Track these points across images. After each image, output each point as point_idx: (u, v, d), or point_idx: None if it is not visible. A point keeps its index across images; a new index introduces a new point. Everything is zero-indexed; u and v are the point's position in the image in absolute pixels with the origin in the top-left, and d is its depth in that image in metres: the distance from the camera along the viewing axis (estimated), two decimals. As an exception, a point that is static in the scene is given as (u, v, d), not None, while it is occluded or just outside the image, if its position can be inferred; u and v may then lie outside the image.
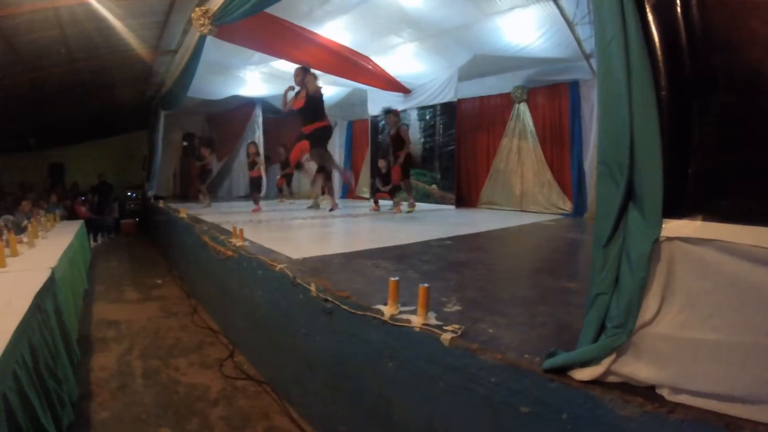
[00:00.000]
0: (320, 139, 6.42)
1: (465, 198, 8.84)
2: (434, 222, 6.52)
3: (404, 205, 7.84)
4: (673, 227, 1.25)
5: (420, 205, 8.61)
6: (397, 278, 2.04)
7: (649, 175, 1.27)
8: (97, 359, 3.73)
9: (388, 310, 2.02)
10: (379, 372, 2.06)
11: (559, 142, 7.51)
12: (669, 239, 1.26)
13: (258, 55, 7.47)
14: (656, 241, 1.26)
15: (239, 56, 7.48)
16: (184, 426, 2.79)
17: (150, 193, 10.03)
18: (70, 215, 8.42)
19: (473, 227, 5.62)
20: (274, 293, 3.05)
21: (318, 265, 3.05)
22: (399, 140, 7.57)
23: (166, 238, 7.69)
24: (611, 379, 1.36)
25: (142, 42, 6.81)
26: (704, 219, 1.22)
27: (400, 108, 9.45)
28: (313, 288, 2.47)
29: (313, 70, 6.35)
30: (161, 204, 8.32)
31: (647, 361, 1.30)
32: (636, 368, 1.32)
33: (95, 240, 9.37)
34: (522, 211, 7.87)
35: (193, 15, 5.27)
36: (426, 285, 1.93)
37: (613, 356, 1.34)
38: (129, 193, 12.08)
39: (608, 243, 1.37)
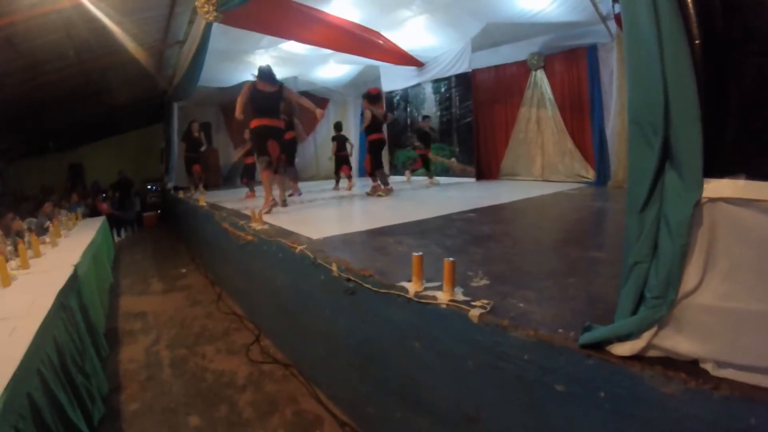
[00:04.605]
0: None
1: (485, 170, 8.67)
2: (455, 195, 6.43)
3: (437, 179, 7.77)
4: (715, 188, 1.14)
5: (440, 179, 8.53)
6: (420, 253, 1.95)
7: (686, 132, 1.16)
8: (125, 351, 3.77)
9: (412, 287, 1.94)
10: (405, 352, 1.99)
11: (579, 109, 7.26)
12: (711, 200, 1.15)
13: (267, 39, 7.35)
14: (697, 203, 1.15)
15: (248, 41, 7.37)
16: (212, 413, 2.80)
17: (169, 185, 10.09)
18: (92, 213, 8.53)
19: (495, 199, 5.49)
20: (296, 275, 3.00)
21: (339, 245, 2.99)
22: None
23: (187, 228, 7.74)
24: (652, 353, 1.27)
25: (149, 36, 6.80)
26: (748, 177, 1.11)
27: (413, 82, 9.30)
28: (334, 268, 2.41)
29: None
30: (181, 194, 8.37)
31: (689, 334, 1.21)
32: (678, 342, 1.23)
33: (119, 235, 9.51)
34: (544, 180, 7.69)
35: (197, 3, 5.21)
36: (451, 259, 1.84)
37: (653, 329, 1.24)
38: (149, 186, 12.20)
39: (644, 208, 1.26)
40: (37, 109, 8.27)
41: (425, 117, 8.69)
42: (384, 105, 8.60)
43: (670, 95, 1.17)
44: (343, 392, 2.63)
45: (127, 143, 12.55)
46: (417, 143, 8.50)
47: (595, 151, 6.90)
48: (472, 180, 8.34)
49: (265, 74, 5.20)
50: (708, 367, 1.18)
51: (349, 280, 2.27)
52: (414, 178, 9.24)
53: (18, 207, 7.48)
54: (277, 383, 3.08)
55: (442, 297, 1.81)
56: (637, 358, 1.26)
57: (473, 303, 1.72)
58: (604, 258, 2.51)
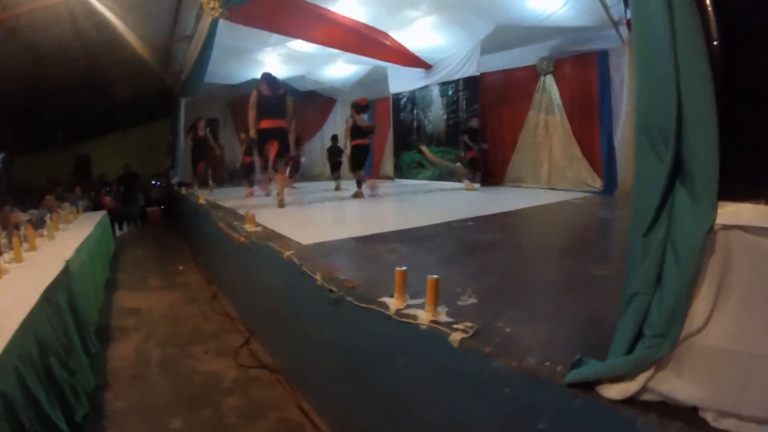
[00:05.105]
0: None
1: (491, 175, 8.57)
2: (458, 201, 6.34)
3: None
4: (732, 212, 1.02)
5: (444, 184, 8.48)
6: (404, 268, 1.86)
7: (701, 145, 1.02)
8: (115, 348, 3.74)
9: (394, 304, 1.85)
10: (389, 367, 1.90)
11: (588, 116, 7.15)
12: (726, 227, 1.02)
13: (275, 37, 7.33)
14: (710, 229, 1.02)
15: (255, 39, 7.34)
16: (196, 417, 2.75)
17: (174, 180, 10.09)
18: (95, 206, 8.52)
19: (498, 206, 5.40)
20: (285, 280, 2.94)
21: (329, 251, 2.93)
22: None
23: (189, 225, 7.72)
24: (646, 397, 1.15)
25: (155, 31, 6.79)
26: (769, 202, 0.98)
27: (421, 84, 9.22)
28: (318, 277, 2.34)
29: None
30: (183, 191, 8.35)
31: (691, 379, 1.09)
32: (677, 386, 1.11)
33: (120, 229, 9.51)
34: (550, 188, 7.58)
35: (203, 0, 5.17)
36: (435, 276, 1.73)
37: (650, 371, 1.12)
38: (153, 182, 12.21)
39: (649, 231, 1.13)
40: (44, 103, 8.29)
41: (471, 115, 8.22)
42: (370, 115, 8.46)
43: (683, 102, 1.04)
44: (328, 402, 2.57)
45: (134, 138, 12.55)
46: (469, 143, 7.89)
47: (603, 159, 6.81)
48: (477, 185, 8.21)
49: (269, 81, 5.66)
50: (708, 416, 1.07)
51: (332, 291, 2.19)
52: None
53: (23, 199, 7.50)
54: (264, 389, 3.02)
55: (424, 317, 1.71)
56: (630, 401, 1.14)
57: (455, 326, 1.61)
58: (607, 275, 2.41)
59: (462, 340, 1.52)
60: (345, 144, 7.21)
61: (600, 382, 1.18)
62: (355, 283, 2.13)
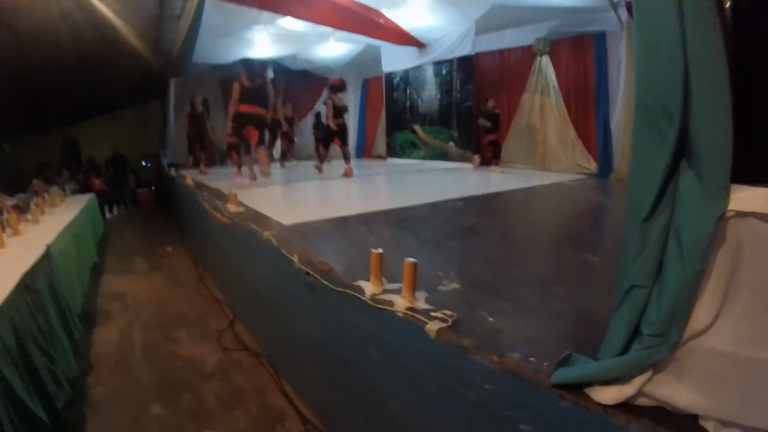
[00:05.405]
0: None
1: (485, 156, 8.42)
2: (448, 181, 6.27)
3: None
4: (746, 198, 0.89)
5: (437, 164, 8.40)
6: (380, 251, 1.74)
7: (711, 121, 0.90)
8: (99, 333, 3.70)
9: (370, 288, 1.74)
10: (364, 359, 1.81)
11: (584, 98, 7.02)
12: (740, 214, 0.90)
13: (265, 15, 7.13)
14: (721, 217, 0.90)
15: (245, 17, 7.15)
16: (176, 402, 2.71)
17: (164, 161, 9.95)
18: (84, 189, 8.40)
19: (490, 187, 5.32)
20: (266, 263, 2.87)
21: (309, 232, 2.85)
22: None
23: (177, 207, 7.63)
24: (641, 401, 1.05)
25: (144, 11, 6.60)
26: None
27: (414, 63, 9.08)
28: (295, 259, 2.25)
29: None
30: (173, 172, 8.23)
31: (691, 384, 0.98)
32: (676, 391, 1.00)
33: (111, 212, 9.41)
34: (544, 170, 7.49)
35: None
36: (412, 260, 1.60)
37: (647, 374, 1.02)
38: (144, 163, 12.06)
39: (649, 217, 1.00)
40: (31, 87, 8.16)
41: (486, 98, 7.78)
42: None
43: (690, 72, 0.91)
44: (309, 388, 2.52)
45: (125, 120, 12.35)
46: (487, 125, 7.60)
47: (599, 142, 6.70)
48: (470, 166, 8.11)
49: (248, 70, 6.11)
50: (709, 426, 0.97)
51: (309, 273, 2.12)
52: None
53: (13, 184, 7.39)
54: (246, 373, 2.98)
55: (400, 303, 1.60)
56: (623, 406, 1.04)
57: (434, 314, 1.49)
58: (600, 263, 2.32)
59: (440, 330, 1.40)
60: (327, 124, 7.34)
61: (590, 384, 1.08)
62: (331, 266, 2.04)
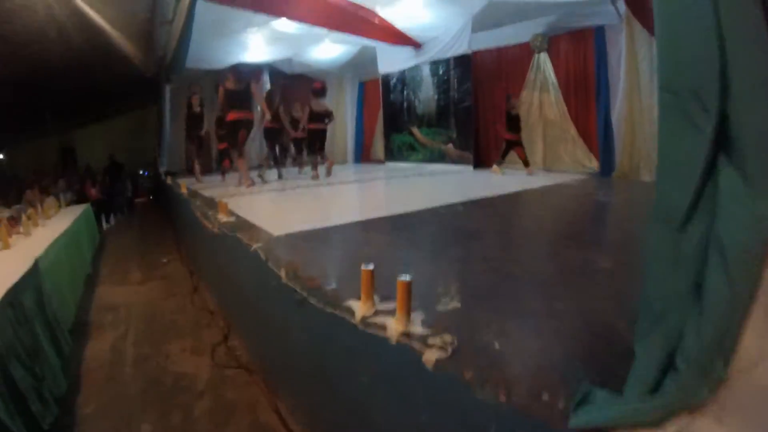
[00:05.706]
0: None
1: (483, 157, 8.35)
2: (448, 184, 6.17)
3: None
4: None
5: (435, 166, 8.33)
6: (371, 266, 1.59)
7: (757, 107, 0.75)
8: (90, 347, 3.60)
9: (360, 309, 1.59)
10: (356, 384, 1.68)
11: (584, 95, 6.93)
12: None
13: (258, 17, 7.03)
14: None
15: (239, 19, 7.08)
16: (166, 421, 2.61)
17: (161, 170, 9.87)
18: (80, 198, 8.33)
19: (490, 189, 5.19)
20: (256, 275, 2.76)
21: (300, 243, 2.73)
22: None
23: (174, 215, 7.55)
24: None
25: (135, 16, 6.51)
26: None
27: (411, 63, 8.98)
28: (283, 273, 2.14)
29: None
30: (169, 180, 8.14)
31: (737, 429, 0.81)
32: None
33: (107, 221, 9.33)
34: (545, 169, 7.39)
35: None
36: (407, 278, 1.44)
37: (684, 418, 0.85)
38: (141, 171, 11.98)
39: (685, 225, 0.84)
40: (28, 95, 8.10)
41: (509, 96, 7.26)
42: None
43: (728, 48, 0.76)
44: (302, 406, 2.41)
45: (121, 127, 12.33)
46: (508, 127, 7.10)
47: (600, 140, 6.58)
48: (469, 167, 8.01)
49: (235, 73, 6.20)
50: None
51: (296, 291, 2.00)
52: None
53: (13, 193, 7.33)
54: (238, 389, 2.87)
55: (394, 327, 1.45)
56: None
57: (430, 341, 1.33)
58: (612, 267, 2.18)
59: (437, 360, 1.26)
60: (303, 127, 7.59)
61: (614, 427, 0.91)
62: (320, 282, 1.92)
